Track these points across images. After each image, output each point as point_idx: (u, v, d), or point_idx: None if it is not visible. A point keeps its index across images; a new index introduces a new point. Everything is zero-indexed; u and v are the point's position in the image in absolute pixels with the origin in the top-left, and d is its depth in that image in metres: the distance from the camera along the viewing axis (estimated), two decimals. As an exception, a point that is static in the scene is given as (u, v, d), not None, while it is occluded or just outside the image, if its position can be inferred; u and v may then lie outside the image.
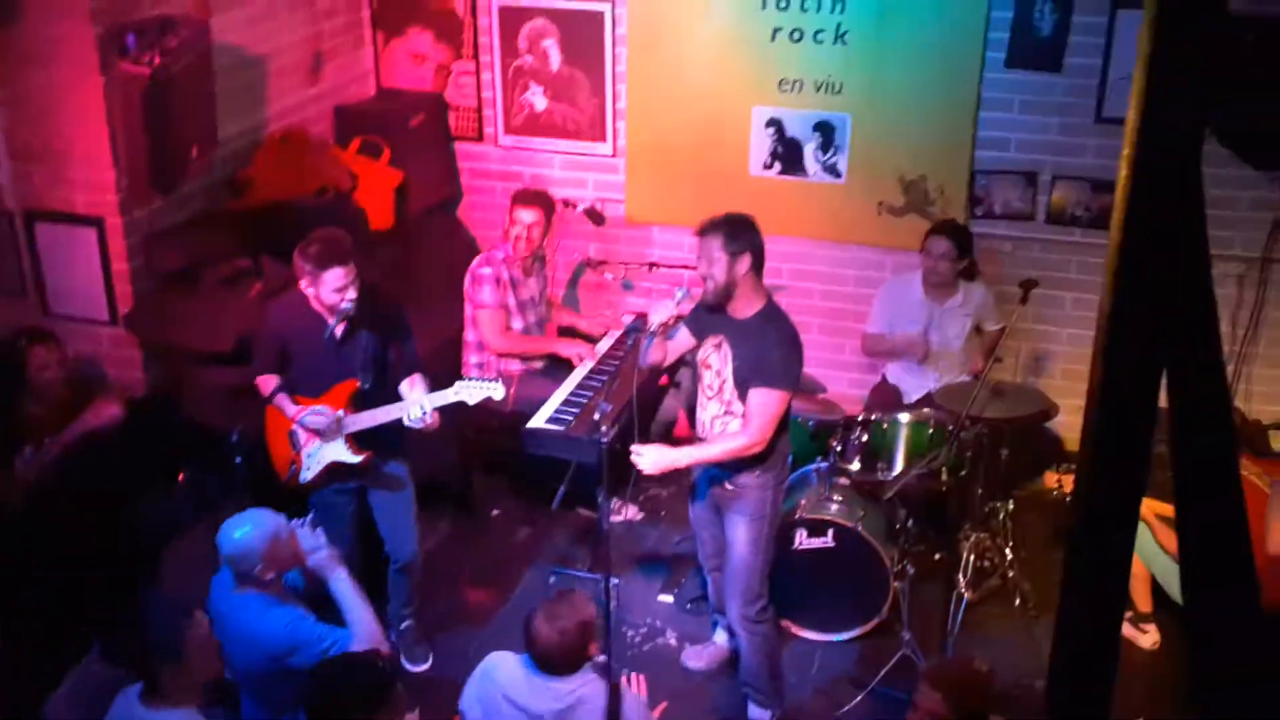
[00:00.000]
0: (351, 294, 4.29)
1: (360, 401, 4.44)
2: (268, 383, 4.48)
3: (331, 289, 4.26)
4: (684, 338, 4.44)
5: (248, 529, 3.63)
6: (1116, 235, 1.61)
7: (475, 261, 5.62)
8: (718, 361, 4.26)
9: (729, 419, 4.26)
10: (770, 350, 4.12)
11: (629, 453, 4.26)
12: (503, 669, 3.54)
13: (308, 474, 4.50)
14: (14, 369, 4.49)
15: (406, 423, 4.35)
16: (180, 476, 4.56)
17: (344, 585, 3.77)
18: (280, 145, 5.64)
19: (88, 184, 4.93)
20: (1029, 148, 5.82)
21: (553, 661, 3.41)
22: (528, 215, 5.55)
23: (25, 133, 4.93)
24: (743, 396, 4.18)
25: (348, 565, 4.11)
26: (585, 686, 3.44)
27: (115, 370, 5.12)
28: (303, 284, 4.33)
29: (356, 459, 4.47)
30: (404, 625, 4.96)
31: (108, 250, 4.98)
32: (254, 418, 4.50)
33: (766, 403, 4.10)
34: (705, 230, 4.15)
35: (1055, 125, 5.76)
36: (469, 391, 4.38)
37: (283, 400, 4.45)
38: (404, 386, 4.50)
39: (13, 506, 4.38)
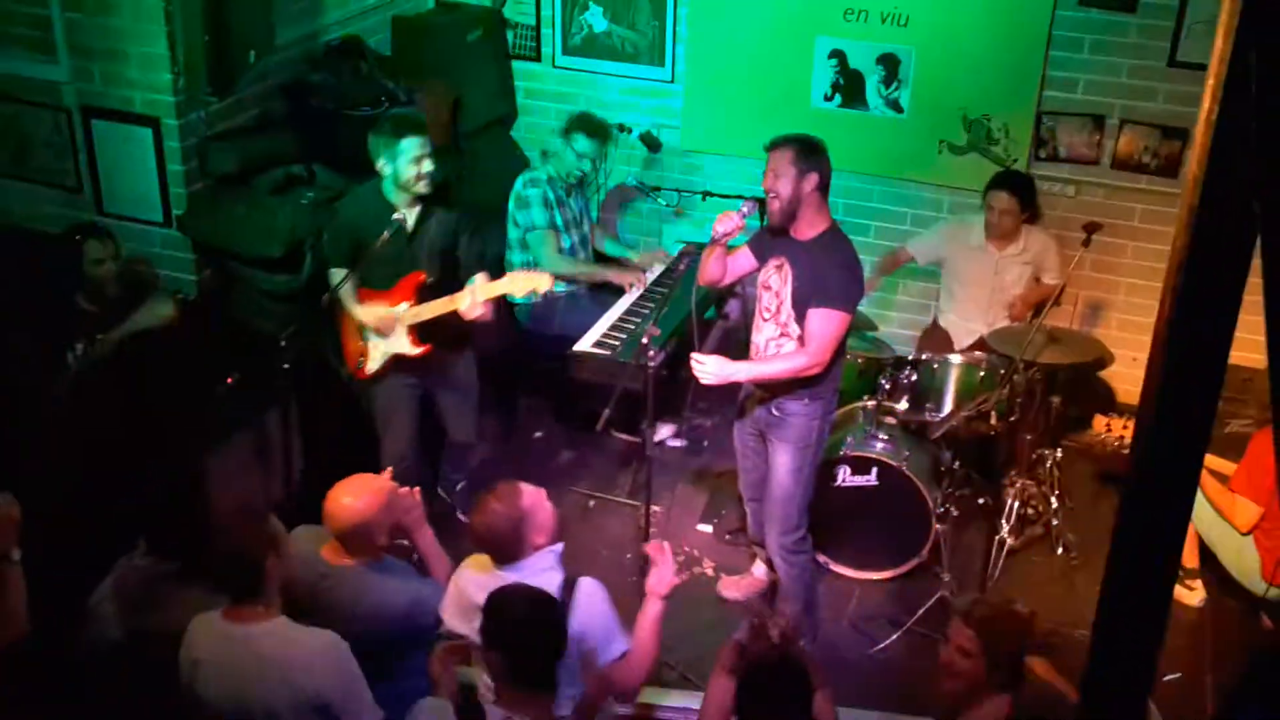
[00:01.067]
0: (428, 165, 4.42)
1: (426, 294, 4.53)
2: (336, 276, 4.55)
3: (409, 159, 4.39)
4: (745, 259, 4.39)
5: (364, 497, 3.49)
6: (1196, 170, 1.53)
7: (519, 183, 5.56)
8: (777, 282, 4.20)
9: (784, 341, 4.21)
10: (830, 271, 4.07)
11: (678, 375, 4.24)
12: (467, 566, 3.52)
13: (373, 365, 4.65)
14: (69, 264, 4.51)
15: (459, 311, 4.43)
16: (229, 380, 4.56)
17: (430, 542, 3.73)
18: (337, 54, 5.58)
19: (145, 84, 4.91)
20: (1098, 89, 5.67)
21: (488, 550, 3.42)
22: (590, 147, 5.51)
23: (85, 31, 4.90)
24: (799, 319, 4.13)
25: (411, 457, 4.49)
26: (532, 577, 3.35)
27: (167, 272, 5.13)
28: (380, 163, 4.44)
29: (416, 351, 4.58)
30: (459, 486, 5.18)
31: (163, 151, 4.97)
32: (302, 323, 4.51)
33: (826, 323, 4.06)
34: (776, 145, 4.10)
35: (1126, 67, 5.60)
36: (517, 284, 4.47)
37: (347, 296, 4.54)
38: (472, 280, 4.54)
39: (62, 400, 4.42)
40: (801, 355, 4.11)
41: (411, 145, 4.38)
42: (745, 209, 4.25)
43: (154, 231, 5.10)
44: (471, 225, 4.74)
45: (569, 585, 3.38)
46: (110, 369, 4.46)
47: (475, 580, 3.42)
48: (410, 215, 4.50)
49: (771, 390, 4.27)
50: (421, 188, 4.45)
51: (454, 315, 4.47)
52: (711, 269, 4.35)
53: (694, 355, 4.16)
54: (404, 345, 4.57)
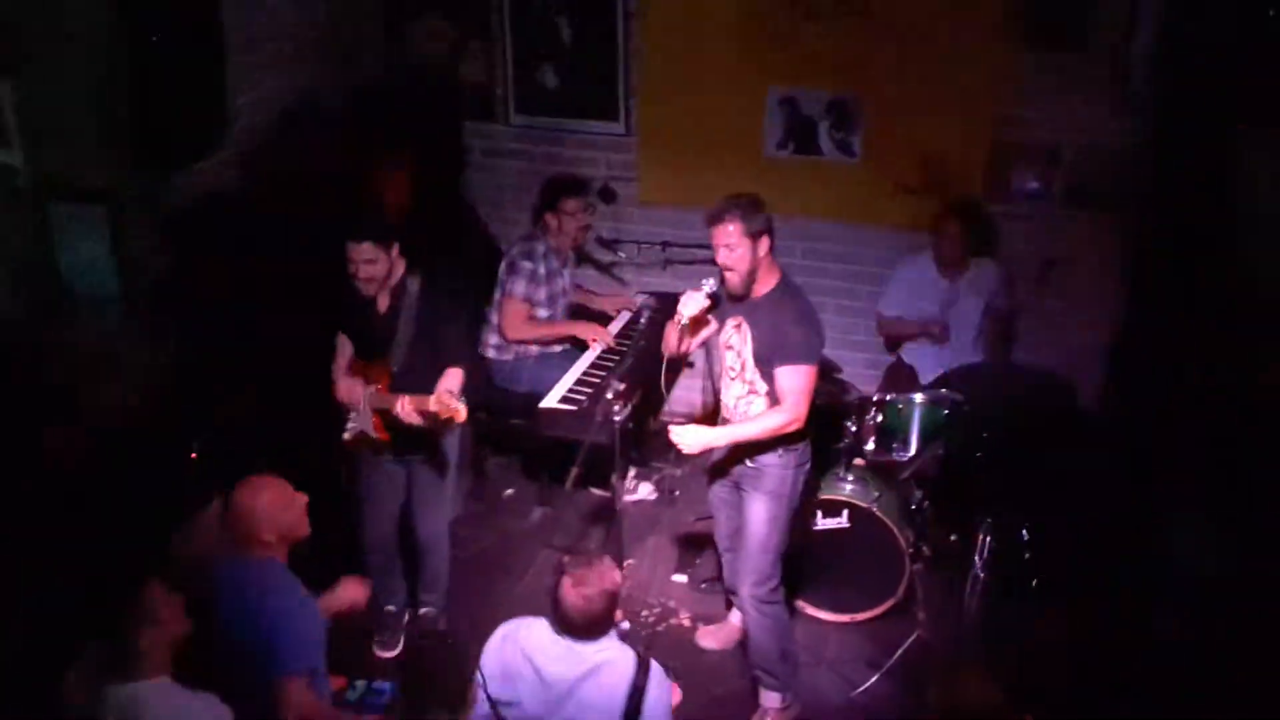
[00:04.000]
0: (365, 271, 4.34)
1: (395, 383, 4.45)
2: (340, 337, 4.60)
3: (349, 258, 4.33)
4: (706, 325, 4.40)
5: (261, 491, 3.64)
6: (1142, 210, 1.56)
7: (517, 249, 5.57)
8: (738, 342, 4.23)
9: (753, 399, 4.23)
10: (786, 327, 4.09)
11: (647, 431, 4.24)
12: (527, 631, 3.48)
13: (346, 434, 4.59)
14: (38, 348, 4.48)
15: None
16: (193, 455, 4.54)
17: None
18: (291, 126, 5.61)
19: (100, 161, 4.90)
20: (1049, 126, 5.74)
21: (576, 627, 3.36)
22: (578, 204, 5.57)
23: (37, 113, 4.89)
24: (765, 376, 4.15)
25: (391, 541, 4.65)
26: (610, 651, 3.39)
27: (127, 349, 5.09)
28: None
29: (376, 436, 4.53)
30: (423, 610, 5.00)
31: (119, 228, 4.95)
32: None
33: (794, 379, 4.08)
34: (718, 217, 4.08)
35: (1077, 102, 5.67)
36: (441, 404, 4.17)
37: (340, 356, 4.56)
38: (442, 379, 4.43)
39: (33, 485, 4.37)
40: (778, 414, 4.12)
41: (350, 248, 4.32)
42: (710, 288, 4.23)
43: (112, 308, 5.07)
44: (448, 323, 4.55)
45: (643, 664, 3.40)
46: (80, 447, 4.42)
47: (547, 652, 3.40)
48: (383, 300, 4.47)
49: (746, 444, 4.27)
50: (370, 289, 4.40)
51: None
52: (676, 343, 4.35)
53: (671, 428, 4.18)
54: (369, 426, 4.53)
